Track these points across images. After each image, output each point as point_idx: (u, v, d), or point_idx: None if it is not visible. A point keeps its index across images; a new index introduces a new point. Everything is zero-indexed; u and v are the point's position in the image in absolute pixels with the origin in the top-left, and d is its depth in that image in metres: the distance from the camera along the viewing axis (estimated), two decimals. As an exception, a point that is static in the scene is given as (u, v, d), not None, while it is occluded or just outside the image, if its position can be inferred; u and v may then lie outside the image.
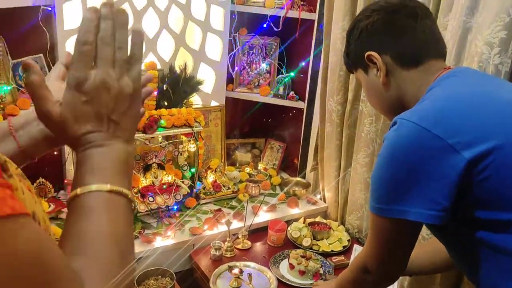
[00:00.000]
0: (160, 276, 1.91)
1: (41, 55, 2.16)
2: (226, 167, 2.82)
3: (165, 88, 2.46)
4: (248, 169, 2.90)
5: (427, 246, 1.51)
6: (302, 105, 2.72)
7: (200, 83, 2.53)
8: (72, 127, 0.60)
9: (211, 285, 1.90)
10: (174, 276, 1.89)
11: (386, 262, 1.21)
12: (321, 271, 2.01)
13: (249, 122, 3.04)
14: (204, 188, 2.55)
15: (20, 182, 0.55)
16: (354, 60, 1.29)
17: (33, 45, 2.15)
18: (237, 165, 2.97)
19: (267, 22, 2.69)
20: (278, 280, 1.96)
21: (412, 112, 1.06)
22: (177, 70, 2.47)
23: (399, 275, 1.29)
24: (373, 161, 2.16)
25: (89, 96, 0.59)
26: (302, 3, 2.61)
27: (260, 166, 2.95)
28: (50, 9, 2.10)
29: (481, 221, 1.01)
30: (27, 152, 0.69)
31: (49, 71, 2.13)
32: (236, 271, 1.93)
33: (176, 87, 2.47)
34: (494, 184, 0.97)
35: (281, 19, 2.62)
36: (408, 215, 1.02)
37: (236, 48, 2.78)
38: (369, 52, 1.20)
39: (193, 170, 2.47)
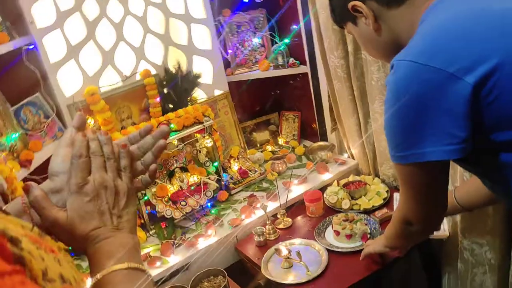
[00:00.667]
0: (212, 277, 1.91)
1: (38, 94, 2.14)
2: (247, 151, 2.79)
3: (166, 92, 2.42)
4: (269, 147, 2.87)
5: (476, 180, 1.45)
6: (305, 69, 2.64)
7: (198, 76, 2.49)
8: (79, 226, 0.68)
9: (263, 272, 1.90)
10: (225, 273, 1.89)
11: (424, 209, 1.17)
12: (368, 230, 1.98)
13: (258, 100, 2.99)
14: (231, 178, 2.54)
15: (38, 248, 0.53)
16: (341, 14, 1.24)
17: (26, 86, 2.14)
18: (258, 146, 2.94)
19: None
20: (328, 250, 1.94)
21: (405, 51, 1.00)
22: (172, 70, 2.43)
23: (442, 217, 1.25)
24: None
25: (90, 196, 0.69)
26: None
27: (281, 140, 2.91)
28: (31, 47, 2.07)
29: (498, 143, 0.96)
30: (43, 227, 0.68)
31: (48, 108, 2.14)
32: (284, 252, 1.91)
33: (176, 87, 2.43)
34: (504, 103, 0.91)
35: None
36: (429, 156, 0.97)
37: (224, 31, 2.71)
38: (352, 3, 1.14)
39: (215, 164, 2.45)
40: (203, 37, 2.58)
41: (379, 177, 2.39)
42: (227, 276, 1.87)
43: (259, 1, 2.58)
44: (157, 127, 2.18)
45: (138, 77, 2.37)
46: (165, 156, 2.34)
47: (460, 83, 0.91)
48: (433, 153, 0.97)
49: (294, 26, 2.60)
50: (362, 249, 1.73)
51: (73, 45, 2.17)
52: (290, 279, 1.84)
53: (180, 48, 2.50)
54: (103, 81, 2.29)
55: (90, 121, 2.19)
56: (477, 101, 0.91)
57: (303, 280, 1.80)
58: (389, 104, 1.01)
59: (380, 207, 2.17)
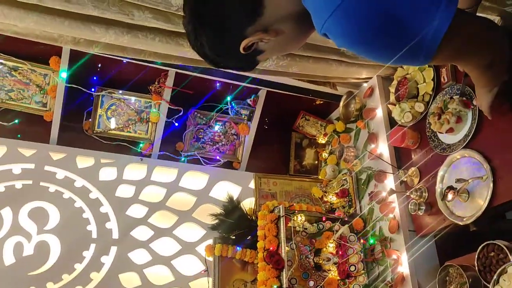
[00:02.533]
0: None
1: None
2: (324, 182, 2.63)
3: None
4: (324, 155, 2.73)
5: None
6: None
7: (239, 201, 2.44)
8: None
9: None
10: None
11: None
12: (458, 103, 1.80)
13: (273, 151, 2.88)
14: (343, 207, 2.40)
15: None
16: (242, 61, 1.08)
17: None
18: (321, 166, 2.81)
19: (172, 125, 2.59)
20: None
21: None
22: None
23: None
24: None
25: None
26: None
27: (321, 139, 2.76)
28: None
29: None
30: None
31: None
32: (451, 196, 1.75)
33: (239, 217, 2.37)
34: None
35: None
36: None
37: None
38: (243, 43, 1.02)
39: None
40: (199, 180, 2.52)
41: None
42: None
43: (177, 127, 2.59)
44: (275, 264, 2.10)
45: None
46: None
47: None
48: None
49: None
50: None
51: None
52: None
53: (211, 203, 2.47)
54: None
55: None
56: None
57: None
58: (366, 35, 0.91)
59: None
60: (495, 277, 1.49)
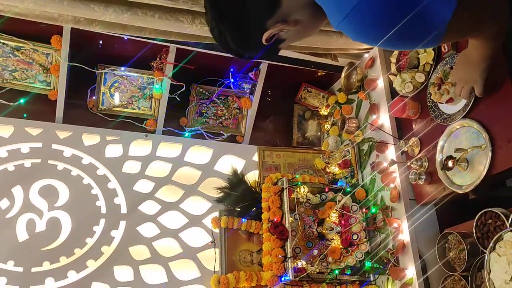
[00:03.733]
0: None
1: None
2: (326, 153, 2.67)
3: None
4: (327, 126, 2.75)
5: None
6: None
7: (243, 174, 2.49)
8: None
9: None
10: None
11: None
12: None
13: (276, 124, 2.91)
14: (345, 178, 2.44)
15: None
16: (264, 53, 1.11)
17: None
18: (324, 137, 2.84)
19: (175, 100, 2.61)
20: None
21: None
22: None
23: None
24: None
25: None
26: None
27: (323, 110, 2.77)
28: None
29: None
30: None
31: None
32: (450, 163, 1.78)
33: (243, 190, 2.44)
34: None
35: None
36: None
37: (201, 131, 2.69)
38: (265, 35, 1.03)
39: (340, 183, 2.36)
40: (204, 155, 2.56)
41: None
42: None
43: (180, 102, 2.61)
44: (278, 233, 2.16)
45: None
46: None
47: None
48: None
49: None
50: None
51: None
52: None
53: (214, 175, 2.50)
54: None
55: None
56: None
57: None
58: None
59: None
60: (491, 244, 1.53)
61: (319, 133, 2.90)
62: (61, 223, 2.21)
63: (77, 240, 2.20)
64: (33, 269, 2.09)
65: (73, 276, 2.13)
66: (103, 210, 2.29)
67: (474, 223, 1.71)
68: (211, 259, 2.31)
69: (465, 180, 1.78)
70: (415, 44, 1.00)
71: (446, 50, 1.96)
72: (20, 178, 2.23)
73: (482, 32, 1.16)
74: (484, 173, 1.68)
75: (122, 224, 2.29)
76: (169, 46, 2.46)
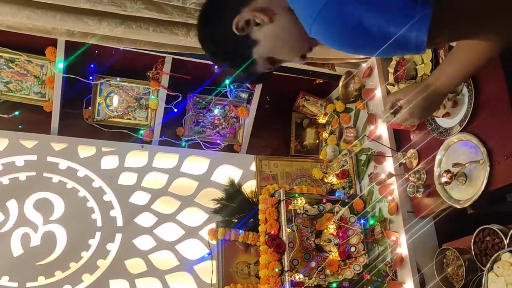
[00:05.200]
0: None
1: None
2: (324, 162, 2.64)
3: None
4: (325, 135, 2.73)
5: None
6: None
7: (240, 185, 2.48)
8: None
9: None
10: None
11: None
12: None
13: (274, 132, 2.89)
14: (343, 188, 2.42)
15: None
16: (236, 50, 1.07)
17: None
18: (322, 146, 2.82)
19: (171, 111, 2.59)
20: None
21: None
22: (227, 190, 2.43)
23: None
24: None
25: None
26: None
27: (321, 118, 2.74)
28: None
29: None
30: None
31: None
32: (445, 178, 1.76)
33: (241, 201, 2.41)
34: None
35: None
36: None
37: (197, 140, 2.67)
38: (236, 19, 1.00)
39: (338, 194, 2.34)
40: (200, 165, 2.55)
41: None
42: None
43: (176, 112, 2.59)
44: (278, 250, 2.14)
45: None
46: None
47: None
48: None
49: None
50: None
51: None
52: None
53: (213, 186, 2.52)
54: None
55: None
56: None
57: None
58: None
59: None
60: (489, 264, 1.51)
61: (317, 141, 2.87)
62: (56, 237, 2.20)
63: (72, 254, 2.18)
64: (28, 284, 2.08)
65: (68, 290, 2.12)
66: (99, 223, 2.27)
67: (472, 240, 1.69)
68: (208, 271, 2.30)
69: (463, 194, 1.76)
70: (392, 52, 0.93)
71: (444, 61, 1.93)
72: (15, 191, 2.21)
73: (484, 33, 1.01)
74: (482, 188, 1.66)
75: (118, 237, 2.27)
76: (165, 57, 2.44)
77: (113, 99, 2.52)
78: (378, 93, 2.33)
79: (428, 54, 2.01)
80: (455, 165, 1.75)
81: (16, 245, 2.14)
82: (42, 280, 2.10)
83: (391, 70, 2.20)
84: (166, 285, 2.26)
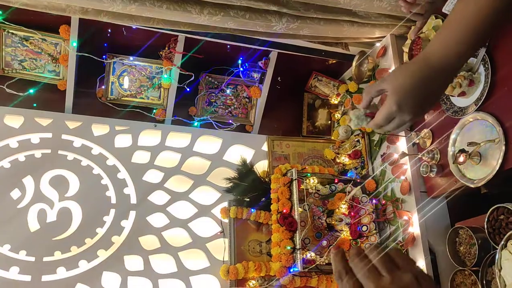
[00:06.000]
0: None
1: None
2: (337, 142, 2.64)
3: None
4: (337, 115, 2.72)
5: None
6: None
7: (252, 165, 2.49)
8: None
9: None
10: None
11: None
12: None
13: (286, 113, 2.88)
14: (355, 169, 2.42)
15: None
16: None
17: None
18: (334, 127, 2.81)
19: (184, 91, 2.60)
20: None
21: None
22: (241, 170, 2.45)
23: None
24: None
25: None
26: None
27: (334, 99, 2.74)
28: None
29: None
30: None
31: None
32: (460, 158, 1.75)
33: (253, 180, 2.42)
34: None
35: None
36: None
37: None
38: None
39: (350, 174, 2.35)
40: (213, 144, 2.56)
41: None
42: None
43: (189, 92, 2.59)
44: (288, 225, 2.16)
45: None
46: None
47: None
48: None
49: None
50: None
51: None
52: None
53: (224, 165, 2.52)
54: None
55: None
56: None
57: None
58: None
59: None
60: (502, 242, 1.51)
61: (329, 122, 2.87)
62: (72, 213, 2.23)
63: (87, 230, 2.22)
64: (45, 259, 2.12)
65: (84, 265, 2.16)
66: (113, 200, 2.30)
67: (486, 219, 1.69)
68: (220, 249, 2.32)
69: (478, 174, 1.76)
70: None
71: (460, 40, 1.91)
72: (31, 168, 2.24)
73: None
74: (497, 167, 1.65)
75: (132, 214, 2.30)
76: (177, 36, 2.43)
77: (124, 79, 2.53)
78: (392, 73, 2.31)
79: (444, 32, 1.99)
80: (469, 144, 1.74)
81: (33, 221, 2.17)
82: (58, 255, 2.14)
83: (405, 49, 2.18)
84: (180, 261, 2.29)
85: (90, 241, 2.21)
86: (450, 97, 1.89)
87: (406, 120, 0.93)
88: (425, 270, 1.92)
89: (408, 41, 2.17)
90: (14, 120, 2.30)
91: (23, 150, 2.26)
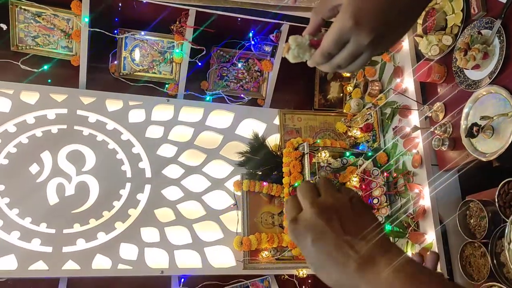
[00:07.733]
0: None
1: None
2: (348, 116, 2.64)
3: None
4: (349, 88, 2.71)
5: None
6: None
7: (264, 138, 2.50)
8: None
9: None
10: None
11: None
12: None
13: (298, 86, 2.87)
14: (367, 142, 2.43)
15: None
16: None
17: None
18: (346, 100, 2.81)
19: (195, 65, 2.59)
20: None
21: None
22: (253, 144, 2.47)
23: None
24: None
25: None
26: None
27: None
28: None
29: None
30: None
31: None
32: (475, 131, 1.75)
33: (265, 154, 2.45)
34: None
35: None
36: None
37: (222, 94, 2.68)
38: None
39: (362, 148, 2.36)
40: (225, 118, 2.58)
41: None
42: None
43: (201, 66, 2.58)
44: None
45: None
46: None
47: None
48: None
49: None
50: None
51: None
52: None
53: (235, 139, 2.54)
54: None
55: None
56: None
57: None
58: None
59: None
60: (513, 215, 1.53)
61: (341, 95, 2.86)
62: (89, 187, 2.29)
63: (105, 203, 2.28)
64: (65, 231, 2.20)
65: (102, 237, 2.23)
66: (129, 174, 2.35)
67: (497, 192, 1.70)
68: (234, 221, 2.38)
69: (490, 147, 1.76)
70: None
71: (476, 11, 1.88)
72: (48, 143, 2.30)
73: None
74: (510, 141, 1.65)
75: (147, 187, 2.35)
76: (188, 10, 2.42)
77: (135, 53, 2.54)
78: (406, 45, 2.29)
79: (459, 2, 1.95)
80: (482, 118, 1.74)
81: (52, 195, 2.24)
82: (77, 227, 2.22)
83: (419, 21, 2.15)
84: (194, 233, 2.35)
85: (107, 213, 2.28)
86: (464, 70, 1.87)
87: (363, 44, 0.67)
88: (435, 242, 1.96)
89: (423, 13, 2.13)
90: (30, 96, 2.34)
91: (40, 126, 2.31)
